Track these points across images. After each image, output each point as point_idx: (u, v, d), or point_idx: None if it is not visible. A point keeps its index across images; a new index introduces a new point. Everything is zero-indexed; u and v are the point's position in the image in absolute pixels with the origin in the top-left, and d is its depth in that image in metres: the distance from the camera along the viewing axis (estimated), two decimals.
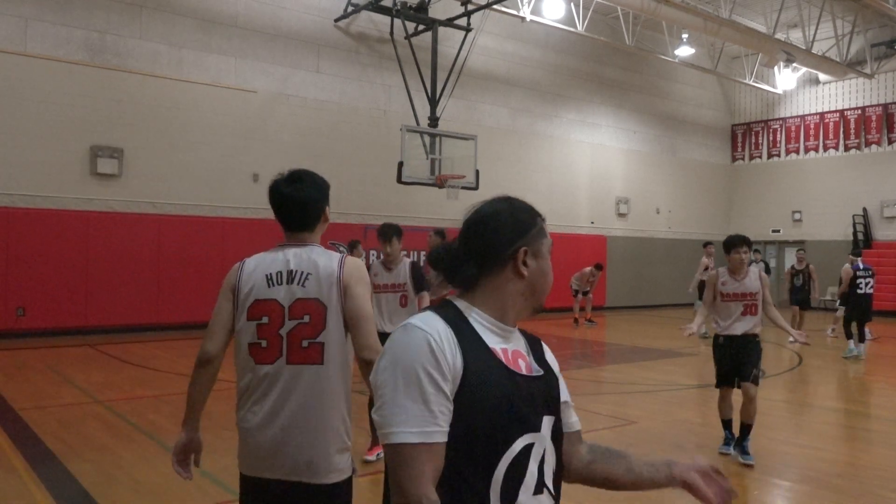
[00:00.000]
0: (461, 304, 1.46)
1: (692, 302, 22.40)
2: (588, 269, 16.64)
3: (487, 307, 1.46)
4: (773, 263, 23.82)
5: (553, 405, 1.46)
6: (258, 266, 2.49)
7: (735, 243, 5.73)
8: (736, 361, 5.77)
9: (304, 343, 2.32)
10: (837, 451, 6.23)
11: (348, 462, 2.36)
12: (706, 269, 13.89)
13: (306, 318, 2.33)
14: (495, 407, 1.32)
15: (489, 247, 1.46)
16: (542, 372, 1.47)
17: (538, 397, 1.41)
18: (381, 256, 5.90)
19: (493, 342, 1.42)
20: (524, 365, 1.46)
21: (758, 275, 5.75)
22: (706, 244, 15.01)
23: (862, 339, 11.96)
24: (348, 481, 2.36)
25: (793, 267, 14.57)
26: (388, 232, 5.71)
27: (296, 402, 2.29)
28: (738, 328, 5.70)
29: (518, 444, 1.34)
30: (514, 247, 1.46)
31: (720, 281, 5.79)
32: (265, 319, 2.36)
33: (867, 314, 12.02)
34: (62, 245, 12.29)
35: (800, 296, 14.10)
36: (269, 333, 2.35)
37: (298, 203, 2.49)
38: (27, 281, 11.96)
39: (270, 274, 2.44)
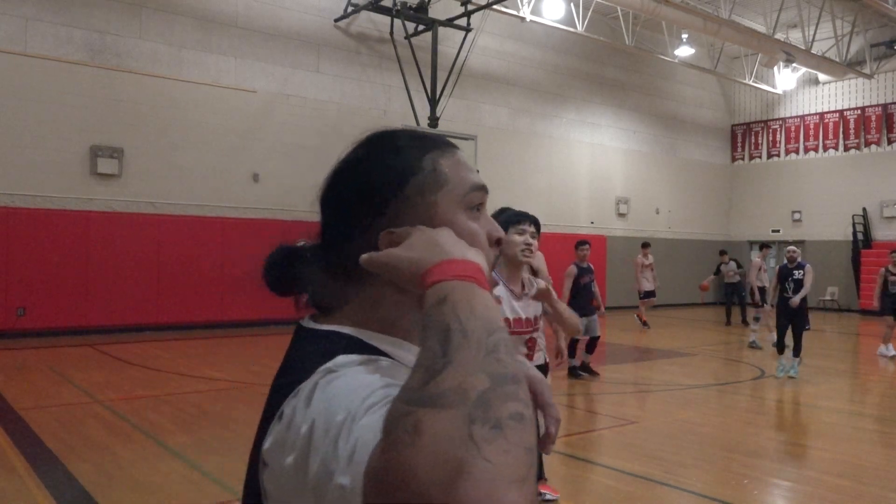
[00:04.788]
0: (356, 332, 0.87)
1: (707, 301, 22.46)
2: (639, 257, 15.72)
3: (401, 335, 0.90)
4: (772, 263, 23.84)
5: None
6: None
7: (515, 220, 3.09)
8: None
9: None
10: (837, 451, 6.22)
11: None
12: (760, 270, 13.32)
13: None
14: None
15: (340, 231, 0.91)
16: None
17: None
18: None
19: None
20: None
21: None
22: (763, 246, 14.36)
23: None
24: None
25: (887, 269, 12.18)
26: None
27: None
28: None
29: None
30: (375, 228, 0.87)
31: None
32: None
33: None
34: (62, 245, 12.29)
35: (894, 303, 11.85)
36: None
37: None
38: (27, 281, 11.96)
39: None
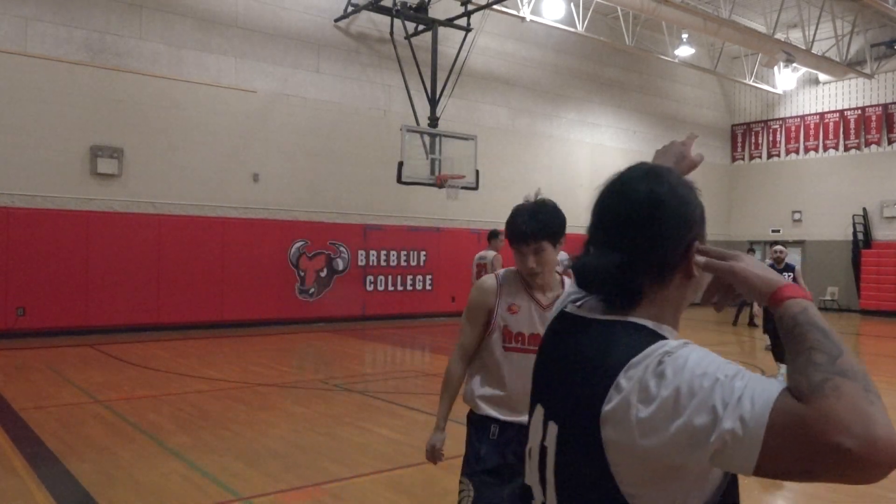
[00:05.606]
0: (651, 324, 1.14)
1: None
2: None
3: (671, 325, 1.18)
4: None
5: None
6: None
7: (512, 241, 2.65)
8: None
9: None
10: None
11: None
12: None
13: None
14: None
15: (657, 247, 1.15)
16: None
17: None
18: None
19: None
20: None
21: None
22: (773, 244, 14.08)
23: None
24: None
25: None
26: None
27: None
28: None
29: None
30: (686, 242, 1.16)
31: (502, 301, 2.63)
32: None
33: None
34: (62, 245, 12.29)
35: None
36: None
37: None
38: (27, 281, 11.96)
39: None
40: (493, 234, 9.60)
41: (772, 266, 9.56)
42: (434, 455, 2.79)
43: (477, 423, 2.66)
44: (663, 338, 1.10)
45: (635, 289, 1.16)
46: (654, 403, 0.99)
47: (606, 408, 1.05)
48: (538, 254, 2.58)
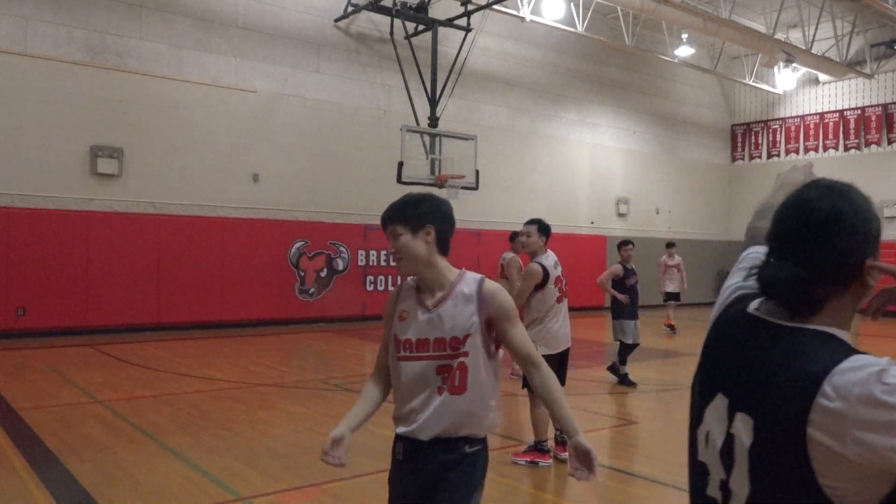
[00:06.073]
0: (839, 333, 1.23)
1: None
2: (664, 257, 14.87)
3: (848, 330, 1.27)
4: None
5: None
6: None
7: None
8: None
9: None
10: None
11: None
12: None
13: None
14: None
15: (839, 260, 1.23)
16: None
17: None
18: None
19: None
20: None
21: (478, 287, 2.34)
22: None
23: None
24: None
25: None
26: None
27: None
28: (422, 429, 2.30)
29: None
30: (863, 256, 1.24)
31: (397, 309, 2.45)
32: None
33: None
34: (62, 245, 12.29)
35: None
36: None
37: None
38: (27, 281, 11.96)
39: None
40: (512, 236, 9.60)
41: None
42: (329, 449, 2.32)
43: (393, 447, 2.44)
44: (851, 346, 1.18)
45: (817, 298, 1.23)
46: (878, 419, 1.08)
47: (814, 411, 1.13)
48: (395, 239, 2.44)
